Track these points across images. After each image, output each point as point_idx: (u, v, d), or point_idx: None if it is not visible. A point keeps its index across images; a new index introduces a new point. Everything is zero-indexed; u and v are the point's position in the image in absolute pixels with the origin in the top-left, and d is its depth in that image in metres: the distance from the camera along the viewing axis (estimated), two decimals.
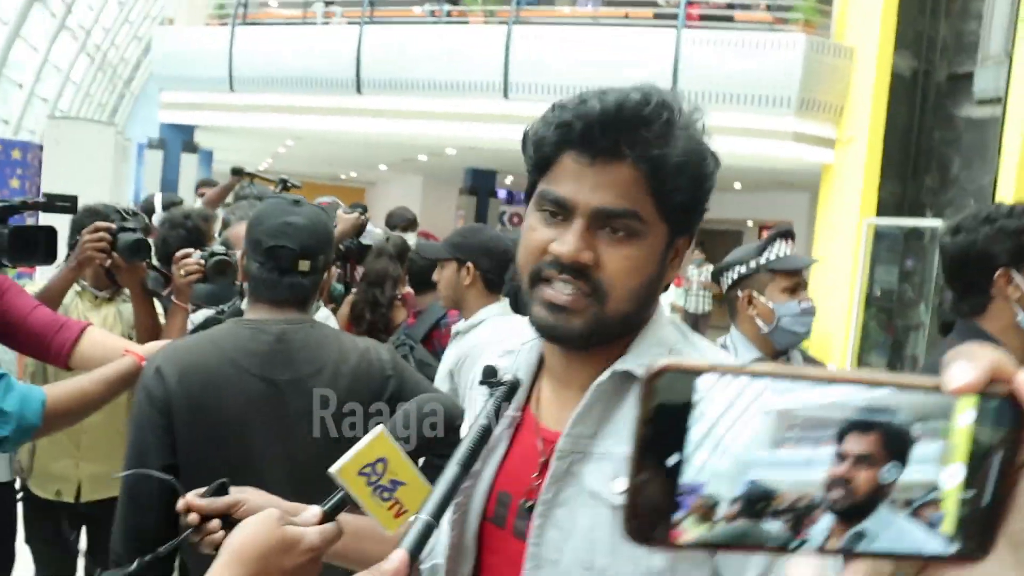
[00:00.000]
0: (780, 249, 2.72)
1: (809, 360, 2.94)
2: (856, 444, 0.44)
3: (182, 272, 2.65)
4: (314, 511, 1.00)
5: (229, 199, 5.22)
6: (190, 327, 2.79)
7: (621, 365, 1.12)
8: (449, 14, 13.75)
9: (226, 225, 3.42)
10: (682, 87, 11.10)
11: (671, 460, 0.44)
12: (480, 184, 20.23)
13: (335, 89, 13.48)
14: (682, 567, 1.07)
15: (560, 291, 1.08)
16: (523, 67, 12.25)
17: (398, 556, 0.84)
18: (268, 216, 1.87)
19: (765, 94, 10.81)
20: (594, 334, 1.10)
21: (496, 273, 3.13)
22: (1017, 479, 0.45)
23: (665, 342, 1.16)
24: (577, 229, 1.06)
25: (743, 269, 2.77)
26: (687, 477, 0.44)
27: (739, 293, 2.77)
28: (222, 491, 1.22)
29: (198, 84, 14.60)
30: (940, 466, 0.45)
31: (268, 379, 1.82)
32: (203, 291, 2.91)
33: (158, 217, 4.65)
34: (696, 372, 0.44)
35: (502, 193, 22.21)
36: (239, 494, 1.28)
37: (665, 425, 0.44)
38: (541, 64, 12.11)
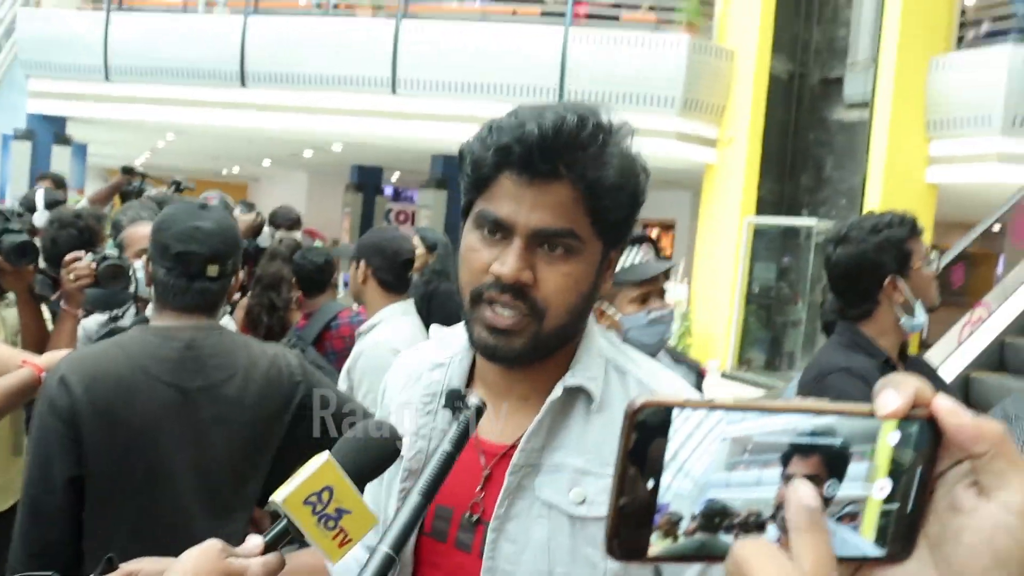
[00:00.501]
0: (630, 258, 2.51)
1: (680, 360, 2.95)
2: (799, 466, 0.50)
3: (72, 276, 2.54)
4: (256, 541, 0.97)
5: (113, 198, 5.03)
6: (81, 333, 2.69)
7: (571, 380, 1.16)
8: (336, 6, 13.53)
9: (117, 226, 3.30)
10: (569, 84, 11.26)
11: (649, 484, 0.50)
12: (367, 181, 20.01)
13: (218, 81, 13.10)
14: (634, 571, 1.12)
15: (501, 314, 1.10)
16: (411, 62, 12.18)
17: None
18: (176, 220, 1.82)
19: (650, 93, 11.07)
20: (534, 351, 1.13)
21: (387, 272, 3.12)
22: (934, 489, 0.52)
23: (603, 353, 1.21)
24: (516, 249, 1.08)
25: None
26: (661, 499, 0.50)
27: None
28: (110, 567, 1.17)
29: (70, 72, 13.90)
30: (871, 481, 0.52)
31: (179, 386, 1.78)
32: (93, 296, 2.80)
33: (40, 215, 4.44)
34: (670, 407, 0.49)
35: (389, 190, 22.04)
36: (132, 565, 1.23)
37: (643, 454, 0.49)
38: (429, 59, 12.07)
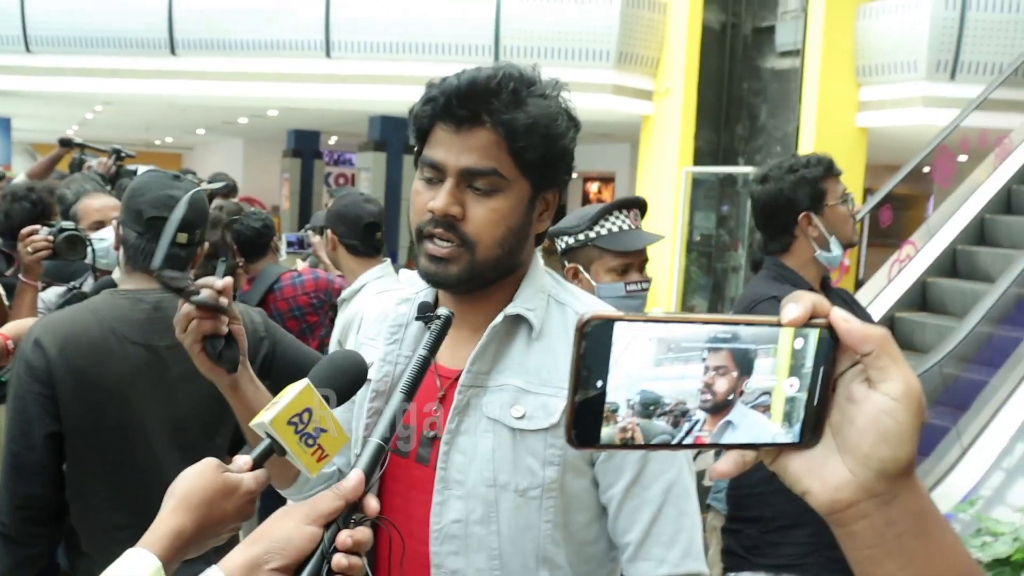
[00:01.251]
0: (616, 223, 2.38)
1: None
2: (717, 360, 0.61)
3: (30, 249, 2.57)
4: (245, 459, 1.08)
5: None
6: (40, 305, 2.71)
7: (511, 309, 1.31)
8: None
9: (62, 200, 3.30)
10: (504, 42, 11.26)
11: (598, 384, 0.60)
12: (304, 146, 19.78)
13: (146, 50, 12.79)
14: (568, 476, 1.26)
15: (439, 245, 1.27)
16: (345, 24, 12.03)
17: (355, 475, 0.95)
18: (149, 188, 1.89)
19: (585, 48, 11.13)
20: (471, 278, 1.29)
21: (352, 237, 3.17)
22: (836, 386, 0.64)
23: (545, 288, 1.37)
24: (447, 187, 1.25)
25: (571, 240, 2.40)
26: (608, 396, 0.60)
27: (566, 263, 2.43)
28: None
29: None
30: (782, 378, 0.63)
31: (148, 345, 1.85)
32: (51, 267, 2.83)
33: None
34: (612, 320, 0.59)
35: (327, 154, 21.84)
36: None
37: (592, 359, 0.59)
38: (363, 21, 11.94)
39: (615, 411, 0.60)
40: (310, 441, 1.05)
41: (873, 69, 10.21)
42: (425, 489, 1.32)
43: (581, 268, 2.39)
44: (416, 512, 1.33)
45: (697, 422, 0.62)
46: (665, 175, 11.59)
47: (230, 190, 6.41)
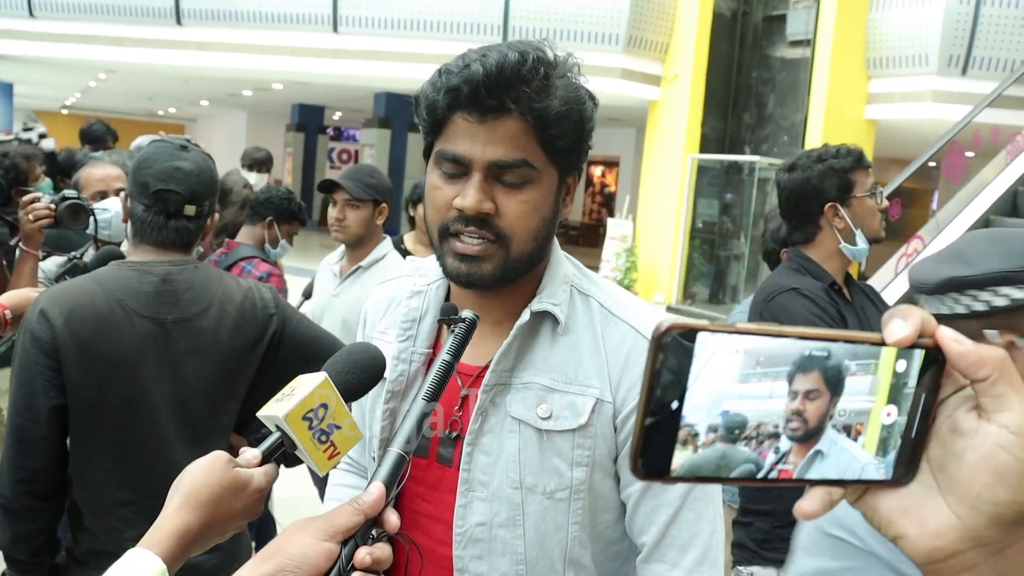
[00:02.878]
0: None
1: None
2: (808, 381, 0.53)
3: (31, 217, 2.52)
4: (254, 453, 1.01)
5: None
6: (40, 275, 2.67)
7: (537, 306, 1.25)
8: None
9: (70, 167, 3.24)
10: (513, 22, 11.19)
11: (673, 405, 0.51)
12: (308, 120, 19.71)
13: (152, 19, 12.71)
14: (596, 476, 1.22)
15: (469, 243, 1.18)
16: (353, 0, 11.96)
17: (375, 488, 0.90)
18: (156, 160, 1.84)
19: (594, 30, 11.06)
20: (504, 276, 1.21)
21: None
22: (937, 415, 0.55)
23: (568, 279, 1.30)
24: (476, 182, 1.16)
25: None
26: (684, 418, 0.51)
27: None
28: None
29: None
30: (880, 405, 0.55)
31: (155, 319, 1.81)
32: (51, 236, 2.78)
33: None
34: (695, 330, 0.51)
35: (331, 130, 21.73)
36: None
37: (669, 375, 0.51)
38: None
39: (695, 436, 0.52)
40: (323, 438, 0.99)
41: (884, 62, 10.15)
42: (448, 490, 1.26)
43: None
44: (438, 514, 1.27)
45: (783, 451, 0.54)
46: (670, 161, 11.55)
47: (262, 163, 6.32)
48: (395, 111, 16.02)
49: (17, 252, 2.65)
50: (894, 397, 0.55)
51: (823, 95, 10.35)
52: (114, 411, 1.79)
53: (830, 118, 10.28)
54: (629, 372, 1.21)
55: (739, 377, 0.52)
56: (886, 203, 2.50)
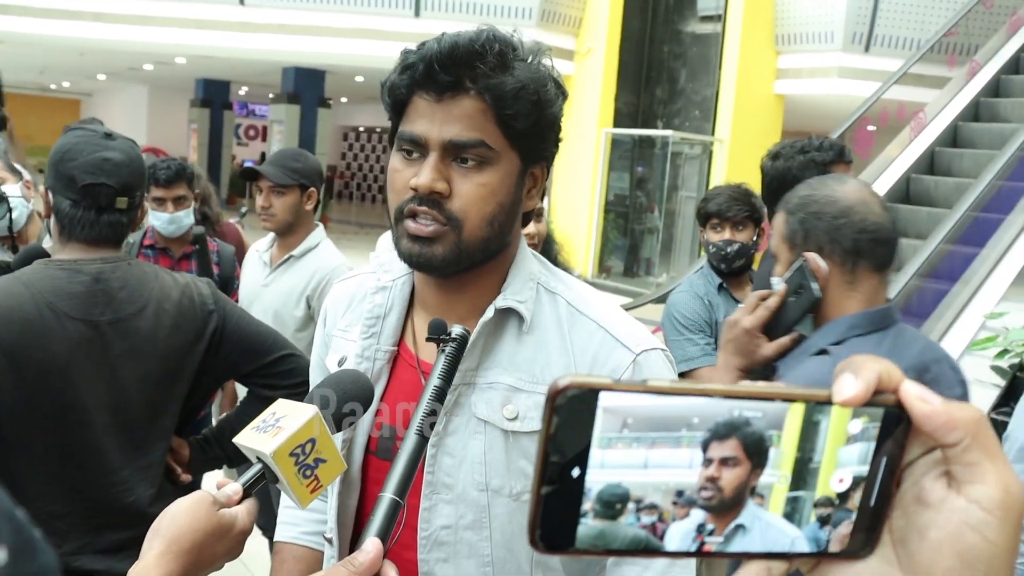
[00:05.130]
0: None
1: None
2: (728, 449, 0.46)
3: None
4: (235, 487, 0.97)
5: None
6: None
7: (501, 302, 1.21)
8: None
9: None
10: None
11: (574, 472, 0.45)
12: (214, 95, 19.10)
13: None
14: None
15: (422, 224, 1.15)
16: None
17: (372, 546, 0.86)
18: (80, 151, 1.72)
19: (507, 5, 11.00)
20: (458, 260, 1.17)
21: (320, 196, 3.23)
22: (900, 480, 0.48)
23: (534, 276, 1.26)
24: (431, 162, 1.13)
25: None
26: (588, 485, 0.45)
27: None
28: None
29: None
30: (828, 472, 0.48)
31: (88, 321, 1.72)
32: None
33: None
34: (597, 388, 0.45)
35: (237, 105, 21.14)
36: None
37: (567, 439, 0.45)
38: None
39: (602, 505, 0.46)
40: (307, 472, 0.97)
41: (792, 38, 10.37)
42: (412, 493, 1.24)
43: None
44: (401, 517, 1.25)
45: (701, 523, 0.47)
46: (584, 135, 11.59)
47: None
48: (304, 86, 15.66)
49: None
50: (847, 461, 0.48)
51: (734, 70, 10.53)
52: (46, 420, 1.70)
53: (740, 93, 10.47)
54: (597, 371, 1.19)
55: (652, 440, 0.46)
56: None
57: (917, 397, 0.46)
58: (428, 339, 1.09)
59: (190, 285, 1.89)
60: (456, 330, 1.05)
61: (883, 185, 7.08)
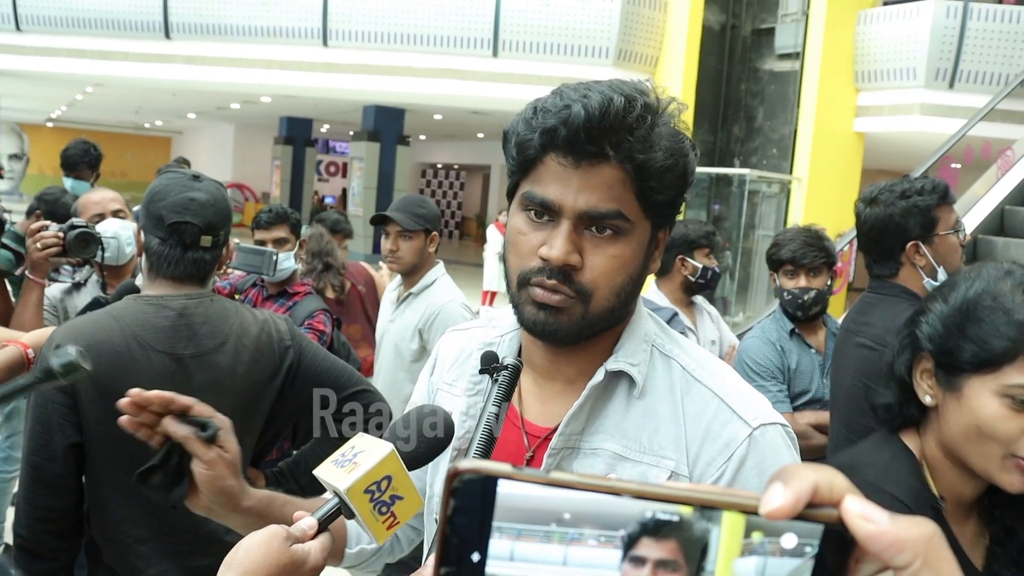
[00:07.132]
0: None
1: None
2: (652, 549, 0.44)
3: (39, 245, 2.51)
4: (310, 522, 0.97)
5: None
6: (45, 302, 2.66)
7: (612, 365, 1.16)
8: None
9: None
10: (503, 36, 11.21)
11: (474, 556, 0.44)
12: (296, 133, 19.65)
13: (141, 33, 12.68)
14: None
15: (550, 293, 1.10)
16: (343, 13, 11.96)
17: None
18: (169, 191, 1.82)
19: (584, 44, 11.09)
20: (581, 331, 1.12)
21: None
22: None
23: (649, 338, 1.20)
24: (564, 231, 1.07)
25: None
26: (489, 572, 0.45)
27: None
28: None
29: None
30: None
31: (172, 354, 1.80)
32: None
33: None
34: (495, 476, 0.44)
35: (319, 143, 21.69)
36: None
37: (466, 523, 0.44)
38: (361, 9, 11.86)
39: None
40: (384, 509, 0.96)
41: (872, 75, 10.22)
42: None
43: None
44: None
45: None
46: None
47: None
48: (384, 124, 16.01)
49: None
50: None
51: (812, 108, 10.41)
52: (131, 448, 1.77)
53: (819, 131, 10.34)
54: (709, 444, 1.11)
55: (560, 535, 0.44)
56: (968, 237, 2.45)
57: (859, 516, 0.43)
58: (481, 370, 1.08)
59: (268, 322, 1.97)
60: (508, 360, 1.03)
61: (974, 219, 6.90)
